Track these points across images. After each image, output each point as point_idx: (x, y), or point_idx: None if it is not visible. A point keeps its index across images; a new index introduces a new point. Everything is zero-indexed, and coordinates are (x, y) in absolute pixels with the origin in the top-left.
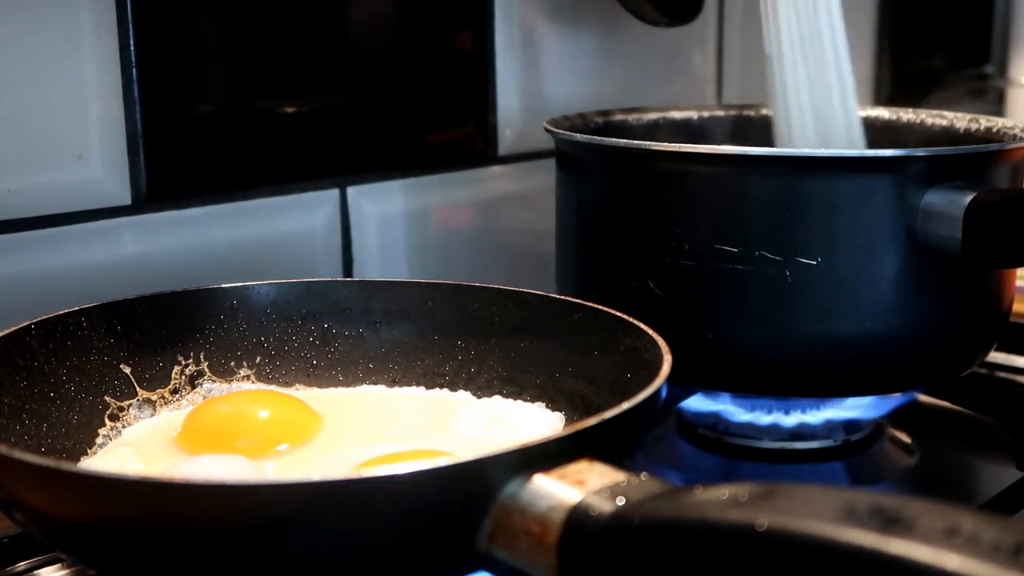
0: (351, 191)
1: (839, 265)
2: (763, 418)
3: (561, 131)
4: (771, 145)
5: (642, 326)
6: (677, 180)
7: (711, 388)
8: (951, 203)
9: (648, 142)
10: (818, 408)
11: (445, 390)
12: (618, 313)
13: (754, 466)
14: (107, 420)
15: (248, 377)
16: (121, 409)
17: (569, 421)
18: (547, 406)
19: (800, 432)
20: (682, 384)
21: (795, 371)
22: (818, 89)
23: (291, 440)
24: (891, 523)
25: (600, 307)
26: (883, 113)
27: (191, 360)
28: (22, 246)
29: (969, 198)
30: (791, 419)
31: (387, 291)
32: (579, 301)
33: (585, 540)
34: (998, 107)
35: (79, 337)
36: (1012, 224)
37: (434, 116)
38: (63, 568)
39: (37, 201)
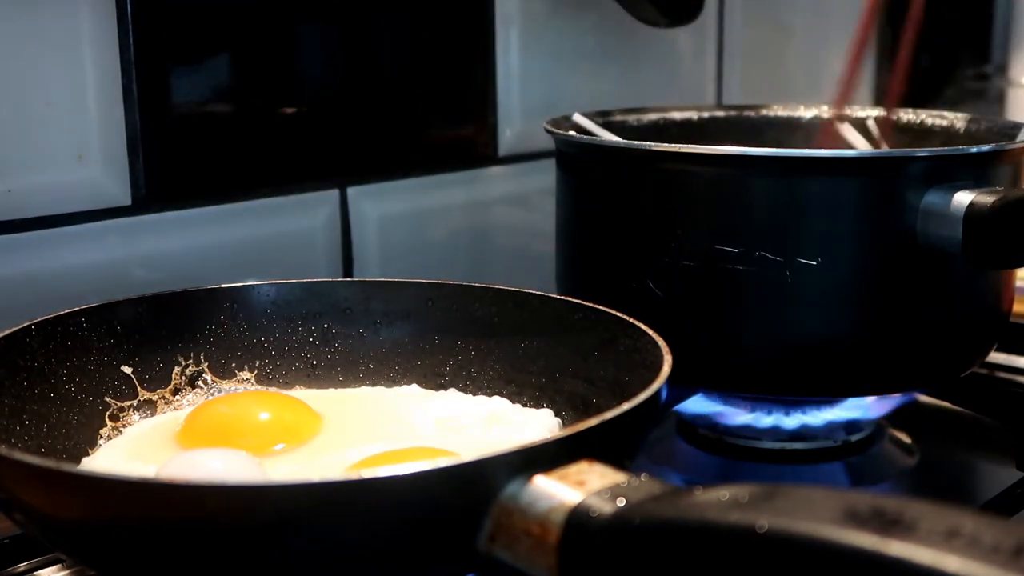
0: (351, 191)
1: (839, 265)
2: (763, 419)
3: (561, 131)
4: (771, 145)
5: (642, 326)
6: (677, 180)
7: (711, 388)
8: (951, 203)
9: (648, 142)
10: (818, 408)
11: (445, 390)
12: (618, 313)
13: (754, 467)
14: (108, 420)
15: (248, 378)
16: (121, 409)
17: (569, 422)
18: (547, 406)
19: (800, 433)
20: (682, 384)
21: (795, 371)
22: None
23: (291, 440)
24: (892, 525)
25: (600, 307)
26: (884, 113)
27: (191, 360)
28: (22, 246)
29: (969, 198)
30: (791, 420)
31: (387, 291)
32: (579, 301)
33: (585, 541)
34: (998, 107)
35: (79, 337)
36: (1012, 224)
37: (434, 116)
38: (63, 568)
39: (37, 201)
